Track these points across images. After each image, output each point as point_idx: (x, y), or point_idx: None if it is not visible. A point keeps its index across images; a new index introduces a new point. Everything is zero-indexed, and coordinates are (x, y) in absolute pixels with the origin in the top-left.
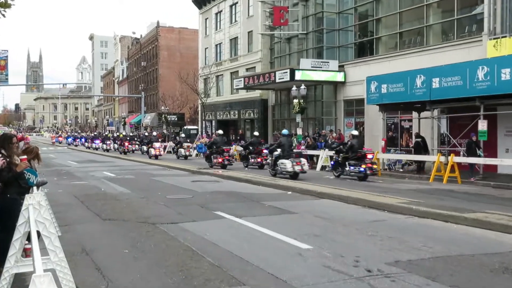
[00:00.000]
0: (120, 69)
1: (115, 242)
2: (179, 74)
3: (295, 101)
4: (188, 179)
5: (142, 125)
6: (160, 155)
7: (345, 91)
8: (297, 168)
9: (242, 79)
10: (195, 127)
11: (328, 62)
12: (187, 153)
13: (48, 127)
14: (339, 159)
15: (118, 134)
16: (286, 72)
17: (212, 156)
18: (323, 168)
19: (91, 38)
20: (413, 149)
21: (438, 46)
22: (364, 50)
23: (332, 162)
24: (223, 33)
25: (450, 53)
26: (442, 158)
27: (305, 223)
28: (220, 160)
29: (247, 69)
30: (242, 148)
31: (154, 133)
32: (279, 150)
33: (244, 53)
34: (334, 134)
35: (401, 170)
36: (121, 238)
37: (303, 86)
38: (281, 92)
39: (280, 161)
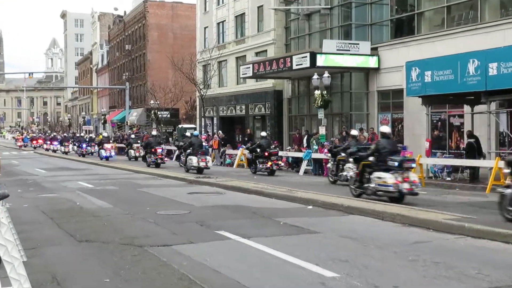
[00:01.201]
0: (99, 55)
1: (94, 269)
2: (172, 60)
3: (317, 92)
4: (183, 190)
5: (127, 124)
6: (163, 162)
7: (379, 79)
8: (202, 164)
9: (251, 65)
10: (193, 125)
11: (358, 44)
12: (137, 154)
13: (10, 126)
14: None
15: (95, 135)
16: (306, 57)
17: (146, 156)
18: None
19: (63, 16)
20: (464, 152)
21: (496, 23)
22: (403, 28)
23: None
24: (226, 9)
25: (510, 32)
26: (502, 164)
27: (329, 245)
28: (153, 158)
29: (256, 53)
30: (248, 152)
31: (154, 132)
32: (189, 150)
33: (253, 33)
34: (366, 134)
35: (449, 178)
36: (101, 264)
37: (326, 74)
38: (299, 82)
39: (190, 157)
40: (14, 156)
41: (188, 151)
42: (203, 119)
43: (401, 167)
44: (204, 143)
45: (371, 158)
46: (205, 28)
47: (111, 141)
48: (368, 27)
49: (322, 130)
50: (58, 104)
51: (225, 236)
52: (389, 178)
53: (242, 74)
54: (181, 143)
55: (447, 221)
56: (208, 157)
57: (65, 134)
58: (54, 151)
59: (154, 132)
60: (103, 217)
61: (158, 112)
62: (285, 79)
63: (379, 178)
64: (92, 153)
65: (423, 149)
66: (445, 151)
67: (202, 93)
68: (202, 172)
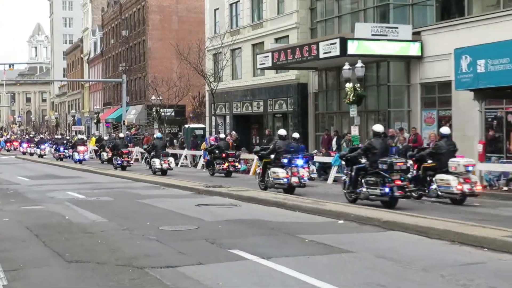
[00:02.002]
0: (91, 42)
1: None
2: (177, 48)
3: (348, 86)
4: (191, 201)
5: (124, 123)
6: (129, 165)
7: (423, 70)
8: (165, 165)
9: (270, 54)
10: (201, 125)
11: (397, 28)
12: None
13: None
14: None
15: (86, 137)
16: (335, 44)
17: (113, 158)
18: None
19: None
20: None
21: None
22: (451, 9)
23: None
24: None
25: None
26: None
27: (364, 266)
28: (119, 161)
29: (276, 40)
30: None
31: (158, 135)
32: (153, 152)
33: (272, 15)
34: (406, 135)
35: (506, 188)
36: None
37: (359, 64)
38: (328, 73)
39: (153, 159)
40: None
41: (152, 153)
42: (213, 117)
43: (392, 170)
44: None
45: (363, 160)
46: (215, 10)
47: (86, 143)
48: (409, 8)
49: (354, 131)
50: (44, 100)
51: (241, 256)
52: (379, 182)
53: (260, 64)
54: (145, 146)
55: (506, 239)
56: (170, 159)
57: (41, 136)
58: (31, 154)
59: (158, 134)
60: (96, 234)
61: (161, 110)
62: (310, 70)
63: (370, 182)
64: (69, 157)
65: (476, 153)
66: (501, 155)
67: (213, 87)
68: (166, 173)
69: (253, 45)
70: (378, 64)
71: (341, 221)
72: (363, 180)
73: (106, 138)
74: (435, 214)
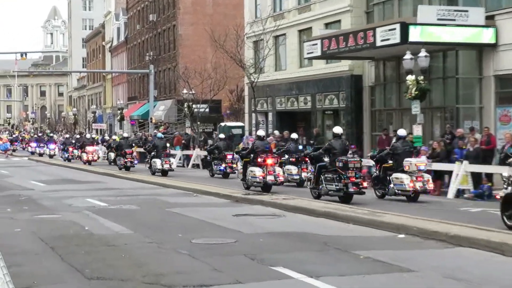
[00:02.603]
0: (114, 28)
1: None
2: (212, 35)
3: (410, 78)
4: (228, 211)
5: (151, 121)
6: (133, 166)
7: (497, 60)
8: (166, 166)
9: (319, 41)
10: (239, 123)
11: (467, 11)
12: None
13: None
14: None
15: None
16: (394, 29)
17: (117, 159)
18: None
19: None
20: None
21: None
22: None
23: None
24: None
25: None
26: None
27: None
28: (123, 162)
29: (326, 25)
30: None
31: (159, 134)
32: (153, 152)
33: None
34: (478, 135)
35: None
36: None
37: (423, 53)
38: (386, 64)
39: (154, 160)
40: (2, 165)
41: (153, 153)
42: (254, 114)
43: (347, 168)
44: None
45: (326, 159)
46: None
47: (96, 144)
48: None
49: (417, 130)
50: (60, 94)
51: (285, 275)
52: (336, 178)
53: (307, 53)
54: (146, 146)
55: None
56: (172, 159)
57: (51, 134)
58: (40, 155)
59: (158, 134)
60: (120, 247)
61: (193, 106)
62: (365, 60)
63: (328, 178)
64: (78, 157)
65: None
66: None
67: (253, 79)
68: (166, 174)
69: (300, 31)
70: (445, 54)
71: (402, 235)
72: (322, 177)
73: (114, 138)
74: (396, 211)
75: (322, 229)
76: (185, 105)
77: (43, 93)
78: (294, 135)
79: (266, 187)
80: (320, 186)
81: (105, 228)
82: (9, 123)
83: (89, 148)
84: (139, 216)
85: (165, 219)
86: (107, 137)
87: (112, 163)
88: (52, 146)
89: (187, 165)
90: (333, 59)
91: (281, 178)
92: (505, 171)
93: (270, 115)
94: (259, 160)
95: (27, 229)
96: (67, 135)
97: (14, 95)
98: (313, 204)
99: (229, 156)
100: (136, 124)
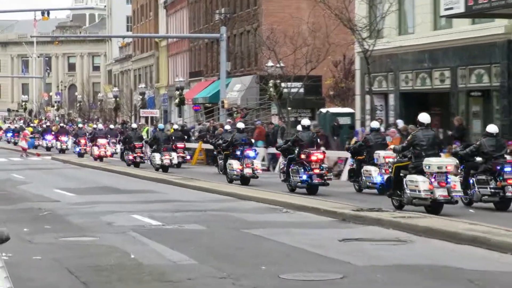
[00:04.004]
0: None
1: None
2: None
3: None
4: (331, 233)
5: (223, 106)
6: (143, 161)
7: None
8: (166, 161)
9: None
10: (348, 109)
11: None
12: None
13: (10, 110)
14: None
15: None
16: None
17: (124, 153)
18: None
19: None
20: None
21: None
22: None
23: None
24: None
25: None
26: None
27: None
28: (131, 157)
29: None
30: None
31: (160, 125)
32: (154, 146)
33: None
34: None
35: None
36: None
37: None
38: None
39: (153, 154)
40: (16, 166)
41: (154, 147)
42: (368, 97)
43: (310, 159)
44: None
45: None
46: None
47: (109, 136)
48: None
49: None
50: (96, 68)
51: None
52: (300, 170)
53: (445, 9)
54: (147, 139)
55: None
56: (173, 154)
57: (61, 125)
58: (48, 149)
59: (160, 125)
60: (180, 283)
61: (282, 84)
62: None
63: (294, 170)
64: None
65: None
66: None
67: (367, 46)
68: (167, 170)
69: None
70: None
71: None
72: (290, 170)
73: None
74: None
75: (468, 261)
76: (270, 84)
77: (72, 67)
78: (305, 121)
79: (243, 180)
80: (290, 179)
81: (159, 257)
82: (25, 109)
83: (101, 141)
84: (206, 240)
85: (242, 244)
86: (165, 126)
87: (131, 164)
88: (63, 138)
89: (274, 168)
90: (482, 18)
91: (260, 171)
92: None
93: (391, 97)
94: (303, 156)
95: (50, 256)
96: (99, 126)
97: (32, 70)
98: (454, 225)
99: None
100: (201, 109)
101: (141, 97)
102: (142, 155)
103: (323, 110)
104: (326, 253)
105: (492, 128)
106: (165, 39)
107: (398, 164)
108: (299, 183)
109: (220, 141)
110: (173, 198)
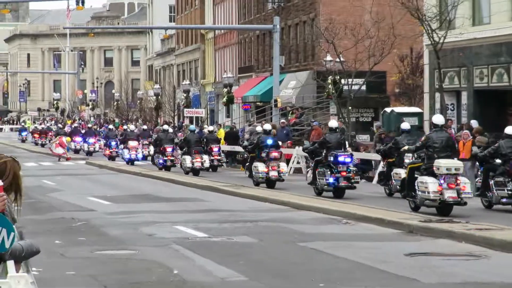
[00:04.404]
0: None
1: None
2: None
3: None
4: (396, 247)
5: (276, 105)
6: (174, 165)
7: None
8: (197, 164)
9: None
10: (415, 109)
11: None
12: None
13: (40, 109)
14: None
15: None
16: None
17: (154, 156)
18: None
19: None
20: None
21: None
22: None
23: None
24: None
25: None
26: None
27: None
28: (161, 160)
29: None
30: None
31: (191, 127)
32: (185, 148)
33: None
34: None
35: None
36: None
37: None
38: None
39: (183, 157)
40: (47, 171)
41: (185, 149)
42: (438, 94)
43: (337, 162)
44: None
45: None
46: None
47: (140, 138)
48: None
49: None
50: (135, 63)
51: None
52: (327, 173)
53: None
54: (178, 141)
55: None
56: (205, 156)
57: (89, 125)
58: (76, 151)
59: (191, 127)
60: None
61: (342, 81)
62: None
63: (321, 173)
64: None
65: None
66: None
67: (437, 39)
68: (198, 174)
69: None
70: None
71: None
72: (316, 172)
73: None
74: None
75: None
76: (329, 80)
77: (108, 62)
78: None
79: (269, 183)
80: (317, 182)
81: (205, 273)
82: (57, 108)
83: (132, 143)
84: (257, 254)
85: (297, 259)
86: (208, 129)
87: (161, 167)
88: (91, 140)
89: None
90: None
91: (286, 174)
92: None
93: (463, 95)
94: (329, 158)
95: (85, 272)
96: (144, 127)
97: (65, 65)
98: None
99: (342, 159)
100: (251, 108)
101: (185, 95)
102: (173, 158)
103: (388, 109)
104: (391, 269)
105: (511, 130)
106: (212, 30)
107: (412, 165)
108: (326, 186)
109: (246, 143)
110: (220, 207)
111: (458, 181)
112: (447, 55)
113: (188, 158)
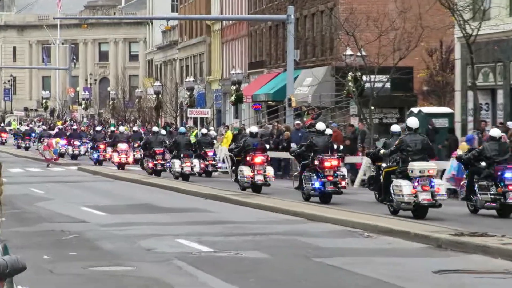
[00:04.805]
0: None
1: None
2: None
3: None
4: (425, 264)
5: (290, 105)
6: (164, 169)
7: None
8: (186, 169)
9: None
10: (445, 109)
11: None
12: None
13: (27, 109)
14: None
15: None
16: None
17: (144, 160)
18: None
19: None
20: None
21: None
22: None
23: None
24: None
25: None
26: None
27: None
28: (151, 164)
29: None
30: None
31: (181, 129)
32: (175, 151)
33: None
34: None
35: None
36: None
37: None
38: None
39: (173, 160)
40: (35, 178)
41: (174, 152)
42: (470, 93)
43: (323, 166)
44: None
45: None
46: None
47: (131, 140)
48: None
49: None
50: (133, 58)
51: None
52: (314, 178)
53: None
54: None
55: None
56: (194, 161)
57: (74, 127)
58: (61, 155)
59: (181, 129)
60: None
61: (364, 78)
62: None
63: (307, 177)
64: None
65: None
66: None
67: (469, 30)
68: (188, 179)
69: None
70: None
71: None
72: (303, 176)
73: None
74: None
75: None
76: (349, 77)
77: (103, 56)
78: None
79: (255, 188)
80: (303, 187)
81: None
82: (46, 108)
83: (122, 146)
84: (268, 271)
85: (313, 276)
86: (202, 131)
87: (177, 173)
88: (76, 142)
89: (352, 182)
90: None
91: (272, 179)
92: None
93: (499, 93)
94: (316, 162)
95: None
96: (134, 128)
97: (55, 59)
98: None
99: (329, 163)
100: (262, 109)
101: (188, 93)
102: (163, 162)
103: (415, 109)
104: None
105: (495, 132)
106: (219, 21)
107: (388, 169)
108: (312, 191)
109: (233, 146)
110: (226, 218)
111: (433, 183)
112: (481, 48)
113: (177, 162)
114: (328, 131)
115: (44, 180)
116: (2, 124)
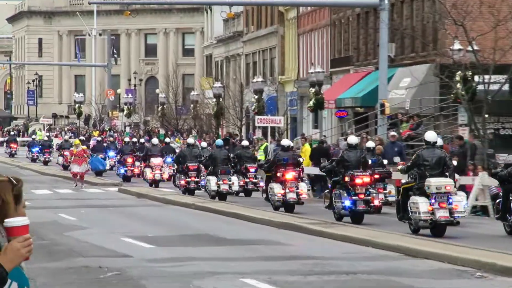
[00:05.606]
0: None
1: None
2: None
3: None
4: None
5: (382, 111)
6: (198, 188)
7: None
8: (223, 187)
9: None
10: None
11: None
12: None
13: (57, 116)
14: None
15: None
16: None
17: (176, 177)
18: None
19: None
20: None
21: None
22: None
23: None
24: None
25: None
26: None
27: None
28: (183, 182)
29: None
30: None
31: (218, 141)
32: (211, 167)
33: None
34: None
35: None
36: None
37: None
38: None
39: (208, 177)
40: (65, 202)
41: (210, 169)
42: None
43: (354, 183)
44: None
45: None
46: None
47: (165, 153)
48: None
49: None
50: (188, 52)
51: None
52: (345, 196)
53: None
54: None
55: None
56: (233, 177)
57: (97, 138)
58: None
59: (218, 141)
60: None
61: (476, 78)
62: None
63: (337, 195)
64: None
65: None
66: None
67: None
68: (225, 199)
69: None
70: None
71: None
72: (333, 194)
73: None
74: None
75: None
76: (458, 77)
77: (151, 50)
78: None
79: (287, 207)
80: (334, 206)
81: None
82: (79, 114)
83: (155, 161)
84: None
85: None
86: (243, 143)
87: (213, 191)
88: (101, 155)
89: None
90: None
91: (305, 196)
92: None
93: None
94: (346, 179)
95: None
96: (167, 139)
97: (90, 54)
98: None
99: (360, 180)
100: (349, 116)
101: (256, 97)
102: (197, 179)
103: None
104: None
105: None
106: (295, 7)
107: (406, 185)
108: (342, 210)
109: (263, 161)
110: (302, 253)
111: (451, 200)
112: None
113: (213, 180)
114: (440, 142)
115: (77, 204)
116: (13, 133)
